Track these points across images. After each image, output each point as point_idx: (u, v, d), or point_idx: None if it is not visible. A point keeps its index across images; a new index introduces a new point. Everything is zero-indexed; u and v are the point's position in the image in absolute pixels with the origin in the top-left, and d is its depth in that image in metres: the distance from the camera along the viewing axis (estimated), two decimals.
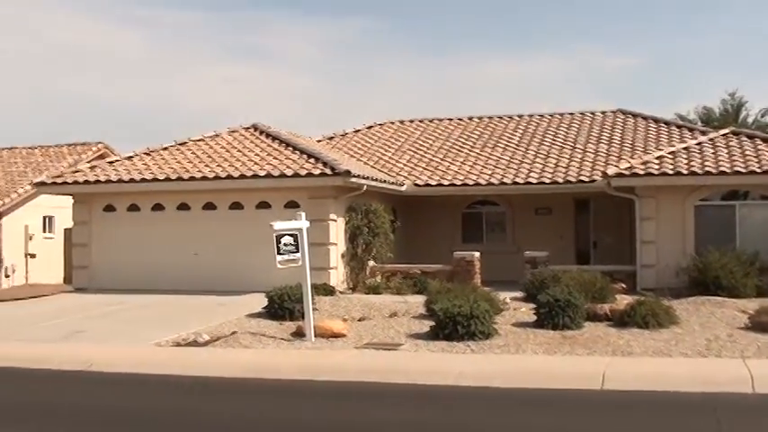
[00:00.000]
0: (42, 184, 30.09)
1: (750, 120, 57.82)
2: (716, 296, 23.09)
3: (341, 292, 25.56)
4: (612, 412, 12.38)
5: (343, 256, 27.27)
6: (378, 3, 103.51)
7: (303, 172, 26.34)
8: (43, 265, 36.63)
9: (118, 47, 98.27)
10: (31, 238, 36.80)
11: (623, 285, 24.74)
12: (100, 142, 41.37)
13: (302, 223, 18.70)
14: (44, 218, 37.67)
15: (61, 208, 34.36)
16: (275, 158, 27.94)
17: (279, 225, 18.32)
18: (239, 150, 29.41)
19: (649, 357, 16.06)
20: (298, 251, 18.37)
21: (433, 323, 18.74)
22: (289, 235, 18.28)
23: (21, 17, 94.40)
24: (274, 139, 30.28)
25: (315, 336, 18.37)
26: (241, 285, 25.94)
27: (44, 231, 37.78)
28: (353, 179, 26.14)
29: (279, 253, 18.04)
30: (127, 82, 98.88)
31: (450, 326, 17.86)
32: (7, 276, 34.27)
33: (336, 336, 18.55)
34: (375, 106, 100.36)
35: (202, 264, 27.57)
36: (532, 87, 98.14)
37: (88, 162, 35.14)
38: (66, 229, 35.87)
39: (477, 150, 34.30)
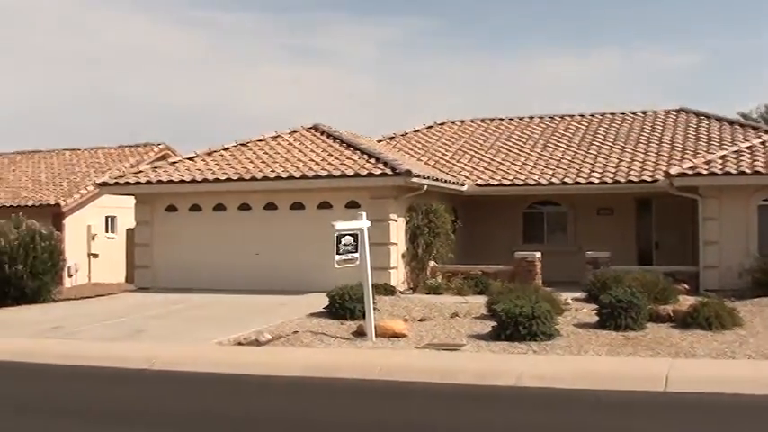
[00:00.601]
0: (105, 184, 30.41)
1: None
2: None
3: (401, 293, 25.54)
4: (676, 414, 12.20)
5: (403, 256, 27.25)
6: (435, 2, 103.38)
7: (364, 172, 26.38)
8: (105, 265, 37.07)
9: (175, 48, 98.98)
10: (93, 238, 37.26)
11: (686, 286, 24.50)
12: (161, 143, 41.83)
13: (363, 223, 18.70)
14: (106, 218, 38.17)
15: (123, 208, 34.66)
16: (336, 159, 27.99)
17: (340, 225, 18.32)
18: (300, 151, 29.48)
19: (713, 359, 15.84)
20: (357, 251, 18.37)
21: (494, 324, 18.61)
22: (349, 235, 18.29)
23: (79, 18, 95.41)
24: (335, 139, 30.33)
25: (375, 335, 18.37)
26: (302, 285, 26.00)
27: (106, 231, 38.29)
28: (414, 179, 26.10)
29: (338, 253, 18.03)
30: (185, 83, 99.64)
31: (512, 326, 17.77)
32: (70, 276, 34.64)
33: (397, 336, 18.52)
34: (433, 106, 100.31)
35: (263, 264, 27.62)
36: (591, 86, 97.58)
37: (150, 163, 35.45)
38: (128, 229, 36.20)
39: (539, 150, 34.11)
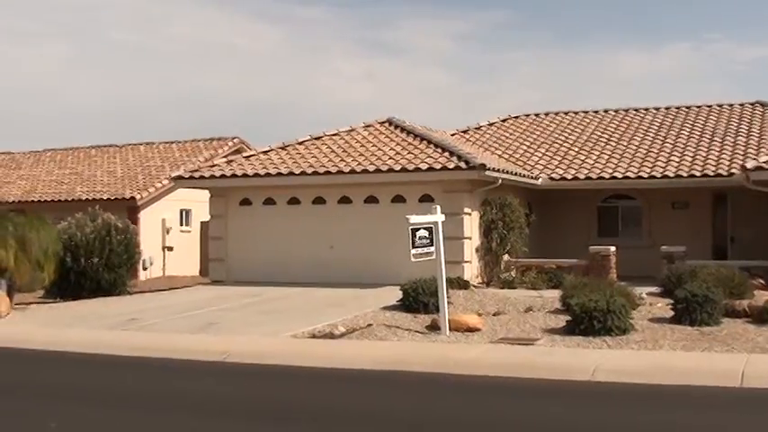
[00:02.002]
0: (180, 178, 30.78)
1: None
2: None
3: (475, 287, 25.43)
4: (752, 410, 12.10)
5: (477, 250, 27.23)
6: None
7: (438, 166, 26.37)
8: (180, 258, 37.41)
9: (249, 42, 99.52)
10: (168, 232, 37.60)
11: (761, 281, 24.11)
12: (236, 137, 42.05)
13: (437, 217, 18.72)
14: (181, 211, 38.46)
15: (198, 202, 34.96)
16: (410, 153, 27.99)
17: (414, 219, 18.37)
18: (374, 145, 29.54)
19: None
20: (432, 245, 18.40)
21: (569, 318, 18.59)
22: (424, 228, 18.32)
23: (150, 11, 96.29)
24: (409, 133, 30.27)
25: (449, 329, 18.38)
26: (376, 278, 26.07)
27: (181, 225, 38.60)
28: (488, 173, 26.05)
29: (413, 246, 18.08)
30: (258, 77, 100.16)
31: (587, 321, 17.74)
32: (145, 269, 35.00)
33: (471, 330, 18.52)
34: (505, 100, 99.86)
35: (337, 257, 27.76)
36: (663, 79, 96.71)
37: (224, 156, 35.73)
38: (202, 223, 36.51)
39: (614, 144, 33.78)
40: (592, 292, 19.26)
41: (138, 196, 36.03)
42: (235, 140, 41.68)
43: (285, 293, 25.53)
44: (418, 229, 18.17)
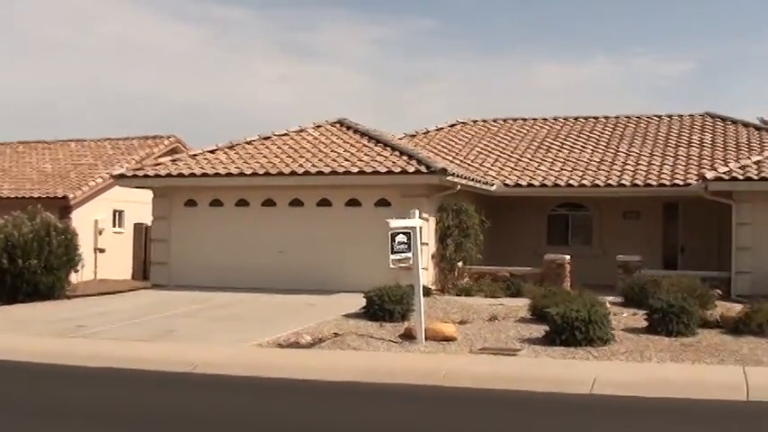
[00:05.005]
0: (122, 176, 29.61)
1: None
2: None
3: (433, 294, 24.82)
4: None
5: (433, 256, 26.60)
6: (432, 3, 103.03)
7: (397, 169, 25.65)
8: (112, 261, 36.16)
9: (169, 42, 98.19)
10: (100, 233, 36.33)
11: (719, 291, 23.98)
12: (172, 135, 40.87)
13: (416, 222, 18.13)
14: (114, 212, 37.21)
15: (132, 202, 34.06)
16: (366, 155, 27.27)
17: (394, 223, 17.67)
18: (327, 146, 28.75)
19: None
20: (410, 250, 17.70)
21: (541, 326, 18.49)
22: (402, 233, 17.61)
23: (78, 7, 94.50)
24: (363, 135, 29.60)
25: (425, 339, 17.68)
26: (328, 285, 25.47)
27: (114, 226, 37.32)
28: (449, 178, 25.49)
29: (393, 252, 17.36)
30: (179, 77, 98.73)
31: (568, 331, 17.28)
32: (76, 271, 33.71)
33: (447, 339, 17.84)
34: (428, 107, 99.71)
35: (288, 262, 26.90)
36: (585, 92, 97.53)
37: (160, 156, 34.80)
38: (135, 224, 35.46)
39: (566, 151, 33.62)
40: (566, 302, 18.87)
41: (71, 195, 34.65)
42: (171, 139, 40.48)
43: (234, 299, 24.61)
44: (397, 234, 17.46)
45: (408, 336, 18.09)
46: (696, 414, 12.32)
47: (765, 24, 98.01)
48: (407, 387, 14.14)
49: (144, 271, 34.48)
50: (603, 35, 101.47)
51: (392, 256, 17.38)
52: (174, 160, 29.76)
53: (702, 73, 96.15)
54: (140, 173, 28.91)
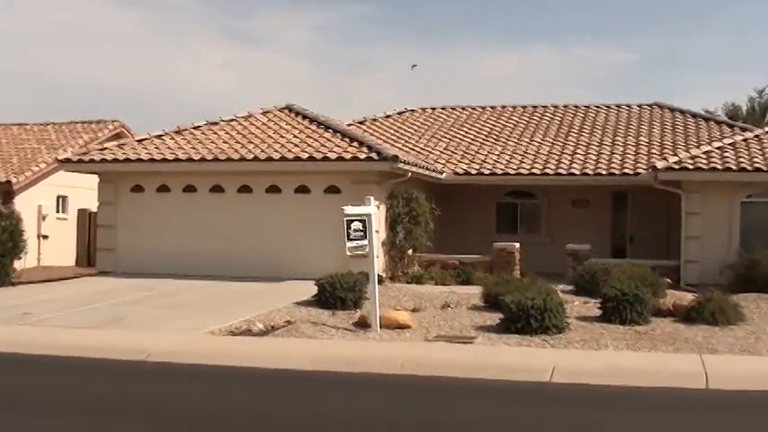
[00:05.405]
0: (68, 161, 29.06)
1: None
2: (764, 293, 22.84)
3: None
4: (728, 412, 11.96)
5: (383, 244, 26.43)
6: None
7: (347, 156, 25.50)
8: (56, 247, 35.58)
9: (109, 27, 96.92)
10: (44, 219, 35.73)
11: (668, 280, 24.17)
12: (116, 120, 40.16)
13: (371, 209, 17.90)
14: (58, 197, 36.61)
15: (75, 188, 33.52)
16: (315, 141, 27.03)
17: (349, 210, 17.48)
18: (276, 132, 28.44)
19: (738, 355, 15.66)
20: (366, 238, 17.51)
21: (495, 314, 18.61)
22: (358, 220, 17.41)
23: None
24: (312, 121, 29.30)
25: (380, 327, 17.51)
26: (276, 272, 25.29)
27: (57, 212, 36.70)
28: (400, 165, 25.37)
29: (349, 239, 17.16)
30: (119, 61, 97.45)
31: (524, 319, 17.25)
32: (19, 258, 33.14)
33: (402, 327, 17.72)
34: (373, 94, 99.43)
35: (237, 249, 26.66)
36: (528, 80, 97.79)
37: (105, 140, 34.25)
38: (80, 210, 34.92)
39: (515, 140, 33.65)
40: (519, 290, 18.94)
41: (14, 180, 34.01)
42: (115, 124, 39.76)
43: (183, 287, 24.33)
44: (353, 221, 17.26)
45: (362, 324, 17.94)
46: (658, 402, 12.22)
47: (706, 16, 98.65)
48: (365, 375, 13.99)
49: (88, 257, 33.94)
50: (544, 25, 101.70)
51: (349, 244, 17.19)
52: (121, 145, 29.26)
53: (645, 64, 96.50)
54: (86, 158, 28.39)
